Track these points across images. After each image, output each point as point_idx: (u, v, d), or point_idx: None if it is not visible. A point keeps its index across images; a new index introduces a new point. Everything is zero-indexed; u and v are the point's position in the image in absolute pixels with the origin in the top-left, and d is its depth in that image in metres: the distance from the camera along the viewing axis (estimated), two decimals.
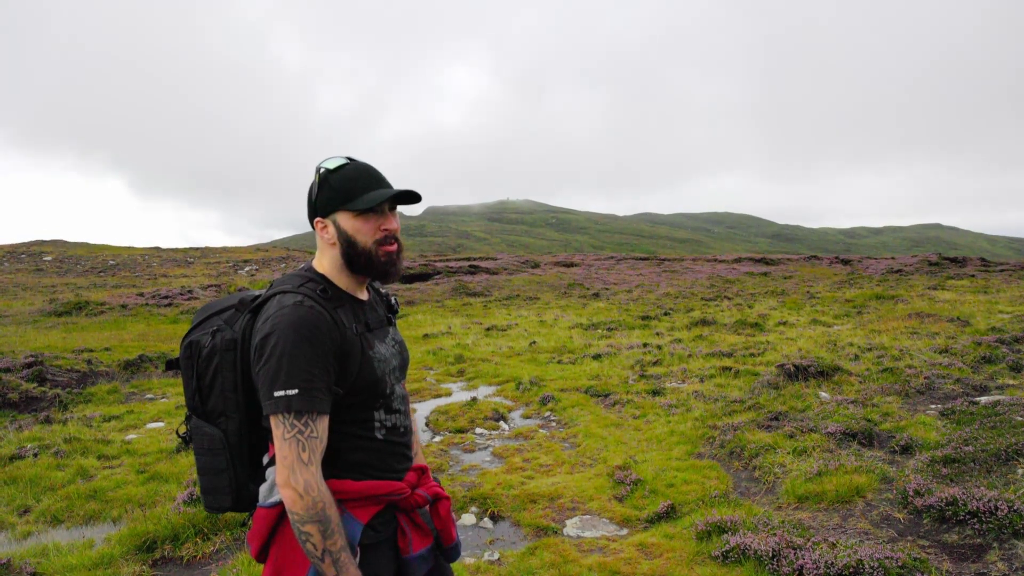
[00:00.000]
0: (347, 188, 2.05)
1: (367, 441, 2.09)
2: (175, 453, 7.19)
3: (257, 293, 2.13)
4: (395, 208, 2.15)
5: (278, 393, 1.87)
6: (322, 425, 1.92)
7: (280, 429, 1.87)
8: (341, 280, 2.13)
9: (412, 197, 2.13)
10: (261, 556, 2.05)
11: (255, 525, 2.06)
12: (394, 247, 2.11)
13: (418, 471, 2.25)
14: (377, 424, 2.11)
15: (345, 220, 2.06)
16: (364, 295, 2.20)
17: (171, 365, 2.19)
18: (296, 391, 1.87)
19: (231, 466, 2.06)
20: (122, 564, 4.72)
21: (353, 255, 2.07)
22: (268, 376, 1.89)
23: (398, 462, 2.18)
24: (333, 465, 2.03)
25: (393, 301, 2.37)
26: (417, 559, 2.14)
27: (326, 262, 2.12)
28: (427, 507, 2.22)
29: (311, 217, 2.12)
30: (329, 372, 1.94)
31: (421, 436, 7.98)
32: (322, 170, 2.08)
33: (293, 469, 1.85)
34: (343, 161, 2.09)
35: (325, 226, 2.09)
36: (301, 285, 2.03)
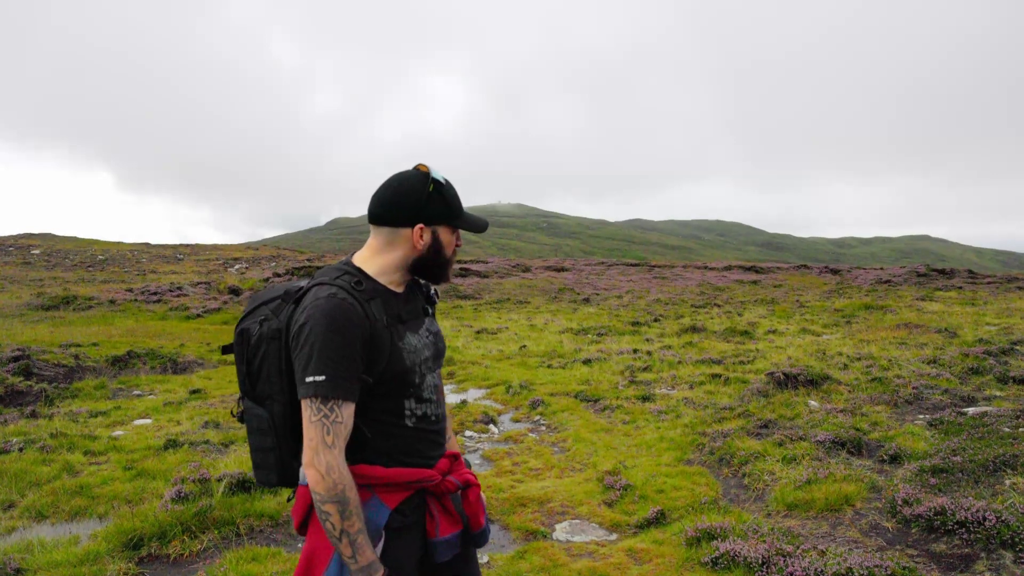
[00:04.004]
0: (455, 204, 2.26)
1: (398, 429, 2.19)
2: (163, 450, 7.14)
3: (301, 284, 2.22)
4: None
5: (308, 379, 1.98)
6: (347, 411, 2.02)
7: (308, 412, 1.99)
8: (385, 276, 2.24)
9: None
10: (302, 530, 2.17)
11: (297, 501, 2.19)
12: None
13: (451, 458, 2.35)
14: (408, 413, 2.20)
15: (444, 232, 2.26)
16: (401, 288, 2.30)
17: (226, 350, 2.31)
18: (324, 377, 1.98)
19: (277, 445, 2.16)
20: (108, 561, 4.67)
21: (435, 262, 2.28)
22: (301, 362, 2.02)
23: (429, 449, 2.28)
24: (363, 451, 2.13)
25: (432, 292, 2.46)
26: (443, 543, 2.25)
27: (382, 260, 2.24)
28: (457, 493, 2.33)
29: (410, 220, 2.21)
30: (357, 361, 2.04)
31: None
32: (437, 181, 2.22)
33: (317, 451, 1.97)
34: (441, 177, 2.24)
35: (423, 233, 2.22)
36: (337, 277, 2.14)
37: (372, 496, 2.13)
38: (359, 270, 2.21)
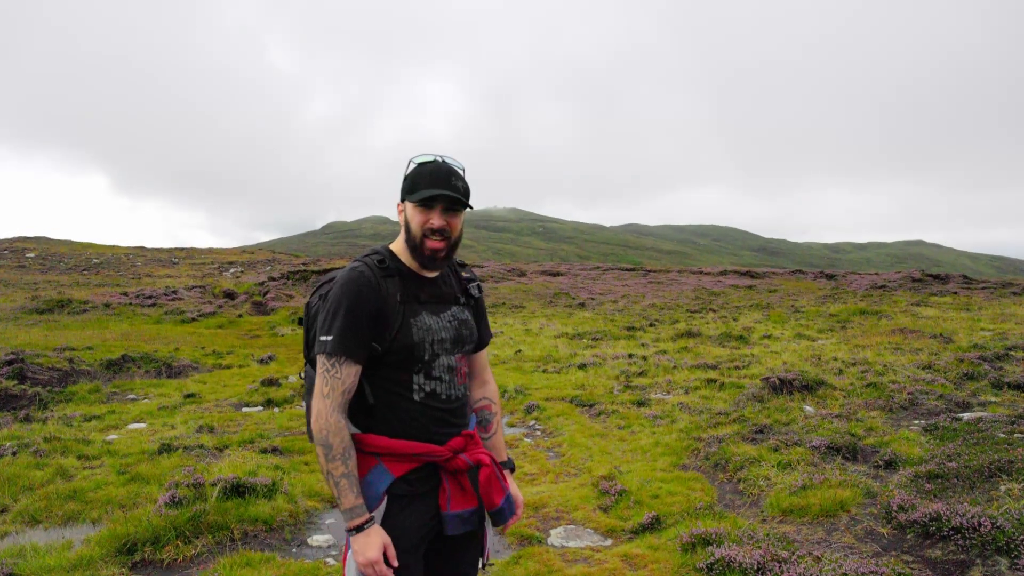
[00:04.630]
0: (414, 181, 2.38)
1: (405, 401, 2.36)
2: (157, 454, 7.11)
3: None
4: (455, 210, 2.40)
5: (321, 337, 2.28)
6: (348, 369, 2.26)
7: (317, 365, 2.28)
8: (404, 256, 2.44)
9: (456, 201, 2.36)
10: None
11: None
12: (440, 244, 2.38)
13: (466, 437, 2.47)
14: (416, 387, 2.37)
15: (409, 208, 2.41)
16: (429, 272, 2.47)
17: (300, 322, 2.59)
18: (331, 337, 2.25)
19: None
20: (101, 566, 4.65)
21: (407, 238, 2.42)
22: (319, 323, 2.33)
23: (437, 426, 2.40)
24: (370, 418, 2.35)
25: (471, 287, 2.62)
26: (454, 517, 2.39)
27: (400, 242, 2.47)
28: (469, 471, 2.43)
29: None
30: (364, 326, 2.27)
31: None
32: (411, 163, 2.42)
33: (315, 398, 2.26)
34: (430, 159, 2.40)
35: (402, 209, 2.45)
36: (366, 256, 2.42)
37: (378, 463, 2.33)
38: (388, 251, 2.46)
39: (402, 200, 2.43)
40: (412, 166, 2.41)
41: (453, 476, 2.40)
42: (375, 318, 2.28)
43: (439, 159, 2.40)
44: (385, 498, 2.31)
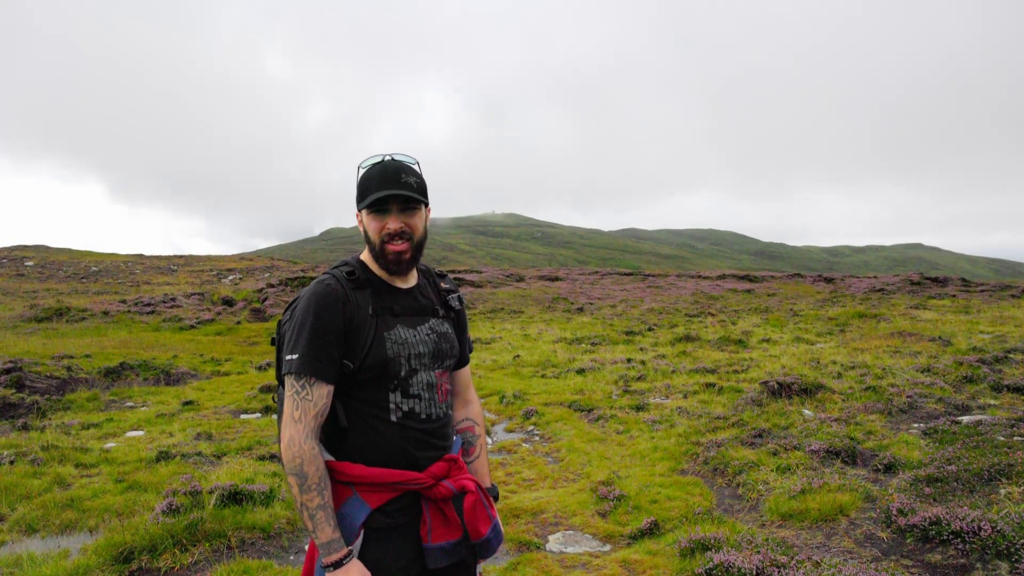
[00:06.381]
0: (363, 187, 2.21)
1: (382, 423, 2.17)
2: (154, 462, 7.09)
3: None
4: (411, 209, 2.23)
5: (287, 357, 2.11)
6: (319, 391, 2.09)
7: (285, 387, 2.11)
8: (375, 266, 2.28)
9: (410, 199, 2.20)
10: None
11: None
12: (402, 246, 2.22)
13: (450, 462, 2.28)
14: (392, 407, 2.19)
15: (365, 216, 2.24)
16: (404, 283, 2.32)
17: (274, 342, 2.38)
18: (297, 355, 2.08)
19: None
20: (98, 575, 4.63)
21: (370, 247, 2.26)
22: (284, 342, 2.17)
23: (417, 449, 2.22)
24: (343, 444, 2.17)
25: (451, 299, 2.45)
26: (436, 550, 2.18)
27: (367, 251, 2.30)
28: (452, 500, 2.24)
29: None
30: (332, 343, 2.10)
31: None
32: (359, 168, 2.26)
33: (285, 424, 2.08)
34: (376, 160, 2.24)
35: (360, 218, 2.28)
36: (335, 267, 2.26)
37: (353, 494, 2.14)
38: (359, 261, 2.30)
39: (359, 209, 2.25)
40: (361, 171, 2.24)
41: (435, 505, 2.21)
42: (344, 334, 2.12)
43: (387, 158, 2.23)
44: (362, 532, 2.12)
